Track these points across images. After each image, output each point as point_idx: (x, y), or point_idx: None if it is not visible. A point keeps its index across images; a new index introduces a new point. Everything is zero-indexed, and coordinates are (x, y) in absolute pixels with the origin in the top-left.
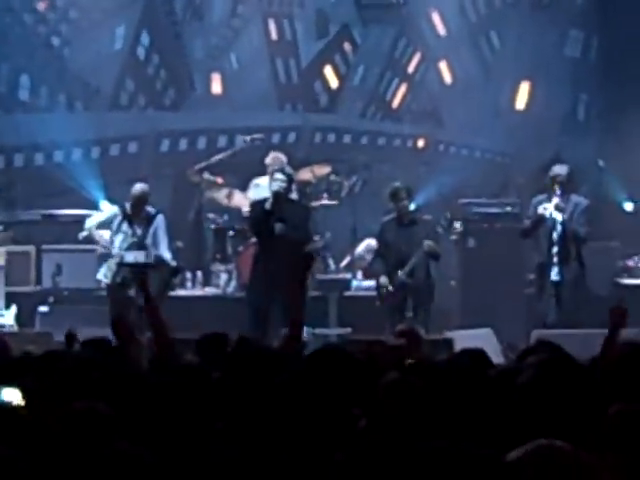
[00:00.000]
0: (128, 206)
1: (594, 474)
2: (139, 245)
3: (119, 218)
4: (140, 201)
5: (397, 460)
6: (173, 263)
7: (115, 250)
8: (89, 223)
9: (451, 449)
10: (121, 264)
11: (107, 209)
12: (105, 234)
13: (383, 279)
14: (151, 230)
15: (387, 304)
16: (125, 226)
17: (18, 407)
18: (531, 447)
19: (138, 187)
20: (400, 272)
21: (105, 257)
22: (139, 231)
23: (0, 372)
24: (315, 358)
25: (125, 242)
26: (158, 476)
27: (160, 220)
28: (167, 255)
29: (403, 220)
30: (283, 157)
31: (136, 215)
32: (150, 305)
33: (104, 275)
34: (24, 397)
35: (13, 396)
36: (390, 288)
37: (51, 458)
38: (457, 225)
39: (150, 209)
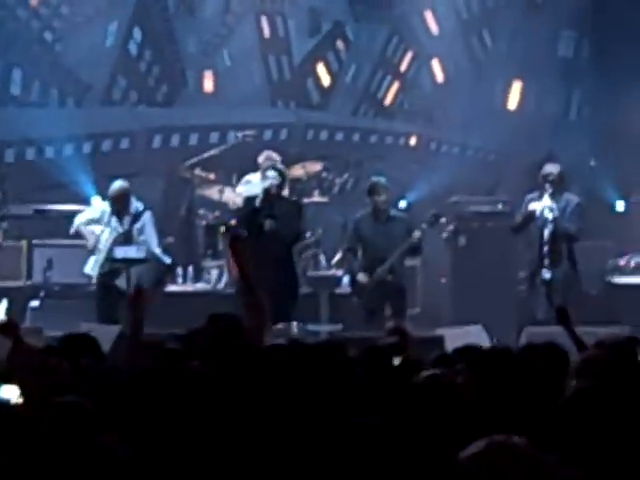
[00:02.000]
0: (111, 205)
1: (547, 470)
2: (126, 239)
3: (108, 213)
4: (120, 198)
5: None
6: (167, 260)
7: (102, 245)
8: (78, 220)
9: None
10: (112, 259)
11: (98, 206)
12: (97, 229)
13: (361, 276)
14: (137, 225)
15: (363, 302)
16: (113, 221)
17: (17, 404)
18: (486, 443)
19: (116, 185)
20: (379, 269)
21: (93, 252)
22: (127, 226)
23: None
24: (309, 354)
25: (112, 236)
26: (130, 472)
27: (147, 217)
28: (157, 251)
29: (380, 216)
30: (276, 156)
31: (122, 211)
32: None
33: (91, 269)
34: (22, 394)
35: (12, 393)
36: (369, 285)
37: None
38: (443, 220)
39: (139, 205)
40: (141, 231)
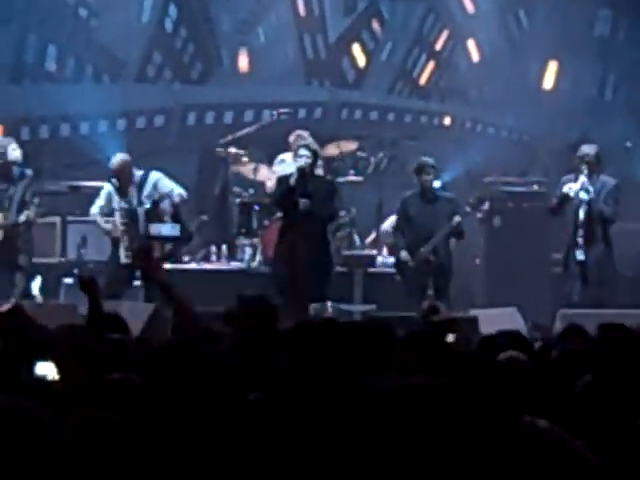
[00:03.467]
0: (115, 181)
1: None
2: (135, 219)
3: (113, 195)
4: (123, 171)
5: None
6: (182, 194)
7: (120, 230)
8: (93, 210)
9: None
10: (151, 237)
11: (103, 192)
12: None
13: (404, 254)
14: (146, 191)
15: (407, 281)
16: (121, 201)
17: (53, 381)
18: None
19: (117, 158)
20: (423, 248)
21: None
22: (134, 200)
23: (34, 347)
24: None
25: (121, 217)
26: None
27: (153, 175)
28: (182, 191)
29: (426, 196)
30: (307, 135)
31: (127, 184)
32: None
33: (125, 256)
34: (59, 371)
35: (48, 370)
36: (411, 264)
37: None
38: (486, 204)
39: (141, 174)
40: (156, 188)
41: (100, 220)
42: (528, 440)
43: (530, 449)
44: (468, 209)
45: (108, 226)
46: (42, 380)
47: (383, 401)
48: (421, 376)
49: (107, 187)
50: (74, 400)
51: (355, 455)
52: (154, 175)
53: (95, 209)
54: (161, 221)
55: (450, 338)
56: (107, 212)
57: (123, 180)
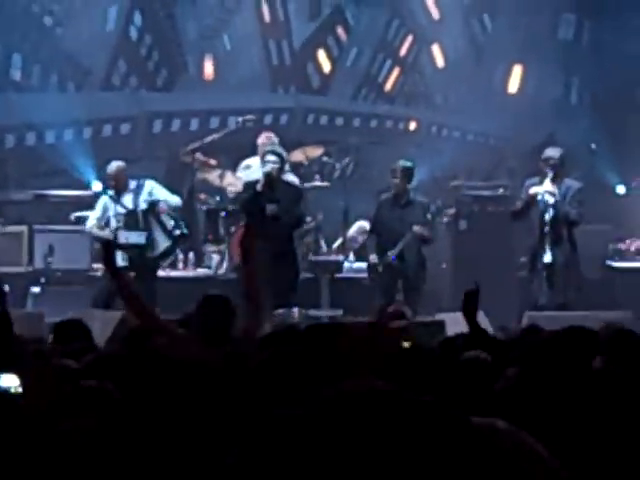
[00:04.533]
0: (111, 189)
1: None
2: (135, 222)
3: (111, 203)
4: (119, 177)
5: None
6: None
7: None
8: (89, 224)
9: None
10: (118, 246)
11: (98, 204)
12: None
13: (372, 257)
14: (142, 197)
15: (376, 284)
16: (118, 208)
17: (16, 393)
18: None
19: (114, 165)
20: (389, 252)
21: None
22: (131, 206)
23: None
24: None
25: (120, 223)
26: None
27: (150, 184)
28: (177, 199)
29: (399, 200)
30: (275, 137)
31: (122, 191)
32: (121, 280)
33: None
34: (21, 384)
35: (11, 382)
36: (379, 268)
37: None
38: (450, 211)
39: (136, 182)
40: (152, 195)
41: (96, 231)
42: (483, 441)
43: (485, 450)
44: (429, 216)
45: (105, 233)
46: (5, 392)
47: (329, 409)
48: (370, 381)
49: (103, 199)
50: (38, 413)
51: (305, 463)
52: (149, 183)
53: (91, 222)
54: (159, 221)
55: (406, 345)
56: (104, 223)
57: (119, 187)
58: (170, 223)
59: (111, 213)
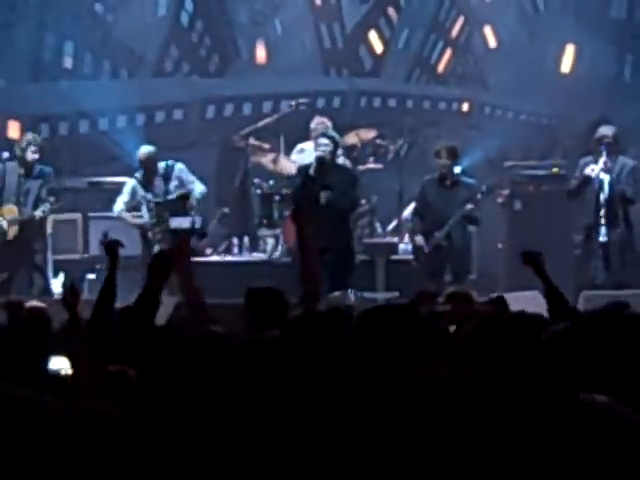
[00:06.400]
0: (139, 174)
1: None
2: (169, 204)
3: (139, 188)
4: (151, 161)
5: None
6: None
7: (144, 220)
8: (117, 208)
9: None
10: (170, 231)
11: (126, 188)
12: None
13: (418, 239)
14: (173, 183)
15: (422, 267)
16: (147, 194)
17: (67, 375)
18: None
19: (145, 149)
20: (437, 234)
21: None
22: (161, 189)
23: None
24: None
25: (149, 209)
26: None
27: (179, 168)
28: (202, 187)
29: (445, 181)
30: (328, 122)
31: (152, 176)
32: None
33: (156, 248)
34: (72, 365)
35: (61, 365)
36: (426, 249)
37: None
38: (505, 192)
39: (164, 165)
40: (181, 182)
41: (126, 215)
42: (591, 417)
43: (594, 427)
44: (479, 196)
45: (137, 220)
46: (56, 374)
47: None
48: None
49: (130, 182)
50: (87, 394)
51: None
52: (179, 166)
53: (119, 206)
54: (187, 212)
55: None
56: (131, 207)
57: (148, 172)
58: (198, 219)
59: (140, 198)
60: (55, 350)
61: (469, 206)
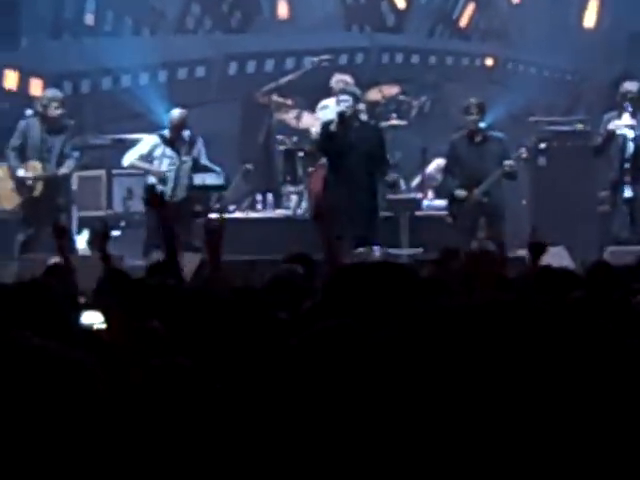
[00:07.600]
0: (167, 132)
1: None
2: (195, 165)
3: (161, 145)
4: (179, 126)
5: None
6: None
7: (169, 173)
8: (129, 158)
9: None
10: (194, 187)
11: (146, 141)
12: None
13: (459, 192)
14: (194, 153)
15: (457, 221)
16: (169, 151)
17: (100, 330)
18: None
19: (177, 112)
20: (476, 190)
21: (164, 181)
22: (185, 153)
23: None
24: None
25: (172, 166)
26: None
27: (201, 144)
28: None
29: (474, 137)
30: (348, 78)
31: (177, 139)
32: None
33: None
34: (106, 320)
35: (95, 319)
36: (466, 204)
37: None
38: (542, 146)
39: (189, 133)
40: (199, 156)
41: (139, 162)
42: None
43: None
44: (524, 154)
45: (151, 167)
46: (89, 329)
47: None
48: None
49: (150, 138)
50: (120, 349)
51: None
52: (201, 143)
53: (132, 156)
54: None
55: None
56: (146, 161)
57: (175, 134)
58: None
59: (159, 153)
60: (88, 305)
61: (509, 162)
